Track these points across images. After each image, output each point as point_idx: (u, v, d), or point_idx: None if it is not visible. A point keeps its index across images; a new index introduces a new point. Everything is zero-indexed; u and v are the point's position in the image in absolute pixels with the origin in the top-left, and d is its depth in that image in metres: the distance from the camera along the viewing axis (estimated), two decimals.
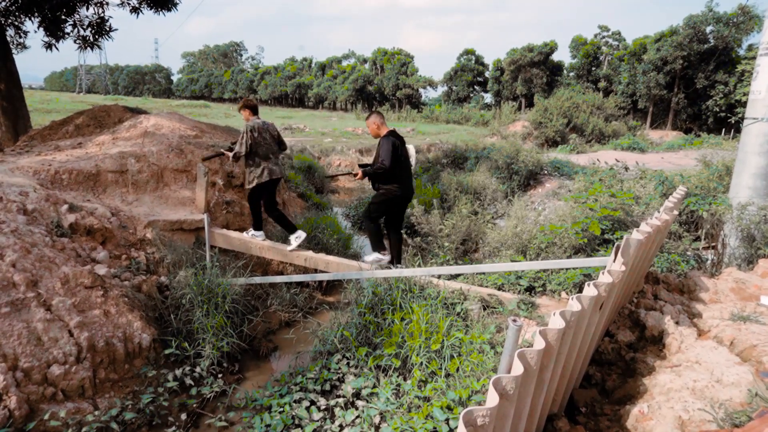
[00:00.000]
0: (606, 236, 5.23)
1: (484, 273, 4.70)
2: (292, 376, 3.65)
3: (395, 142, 4.67)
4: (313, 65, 72.48)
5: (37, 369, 3.05)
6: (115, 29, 9.72)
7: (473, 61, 56.00)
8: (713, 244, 5.46)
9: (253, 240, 5.32)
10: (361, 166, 4.85)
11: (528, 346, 1.70)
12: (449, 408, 2.75)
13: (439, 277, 4.53)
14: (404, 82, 58.54)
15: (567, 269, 4.50)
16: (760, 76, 5.21)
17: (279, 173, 5.26)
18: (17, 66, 9.15)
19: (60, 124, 7.85)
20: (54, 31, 9.18)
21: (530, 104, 43.60)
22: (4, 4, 8.84)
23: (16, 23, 9.60)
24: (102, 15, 9.54)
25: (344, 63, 68.32)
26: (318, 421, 3.04)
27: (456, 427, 2.60)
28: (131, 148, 5.89)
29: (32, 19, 9.15)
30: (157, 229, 5.03)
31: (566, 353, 2.18)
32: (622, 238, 3.47)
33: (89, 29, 9.56)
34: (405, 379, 3.29)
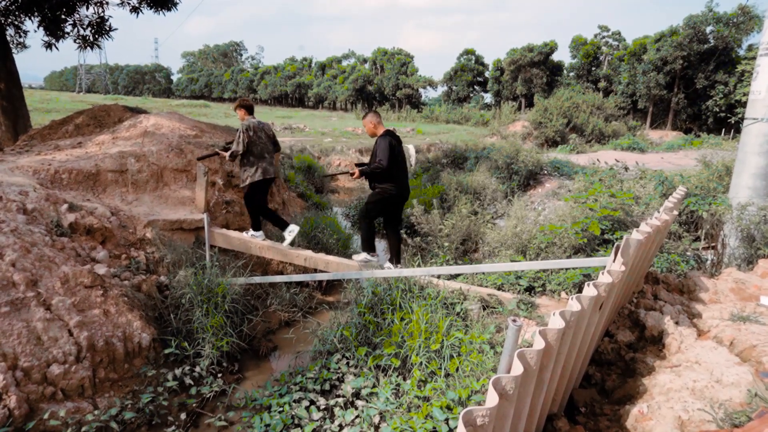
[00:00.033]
0: (606, 236, 5.23)
1: (483, 273, 4.70)
2: (292, 376, 3.65)
3: (392, 141, 4.68)
4: (313, 65, 72.48)
5: (37, 368, 3.05)
6: (115, 29, 9.72)
7: (473, 61, 56.00)
8: (713, 244, 5.46)
9: (253, 240, 5.32)
10: (358, 165, 4.86)
11: (528, 346, 1.70)
12: (449, 408, 2.75)
13: (438, 277, 4.53)
14: (404, 82, 58.54)
15: (567, 269, 4.50)
16: (760, 77, 5.21)
17: (272, 173, 5.29)
18: (17, 65, 9.15)
19: (60, 123, 7.85)
20: (54, 31, 9.17)
21: (530, 104, 43.61)
22: (4, 3, 8.83)
23: (16, 23, 9.59)
24: (102, 14, 9.54)
25: (344, 63, 68.33)
26: (317, 420, 3.04)
27: (455, 427, 2.60)
28: (131, 148, 5.89)
29: (32, 18, 9.14)
30: (157, 228, 5.03)
31: (566, 353, 2.18)
32: (621, 238, 3.47)
33: (89, 29, 9.55)
34: (405, 379, 3.29)
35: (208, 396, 3.55)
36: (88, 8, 9.38)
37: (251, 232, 5.42)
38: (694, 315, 3.62)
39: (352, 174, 4.78)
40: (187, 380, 3.62)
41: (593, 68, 46.06)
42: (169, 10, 9.78)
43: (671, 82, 36.04)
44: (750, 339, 2.84)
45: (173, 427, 3.19)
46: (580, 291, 4.07)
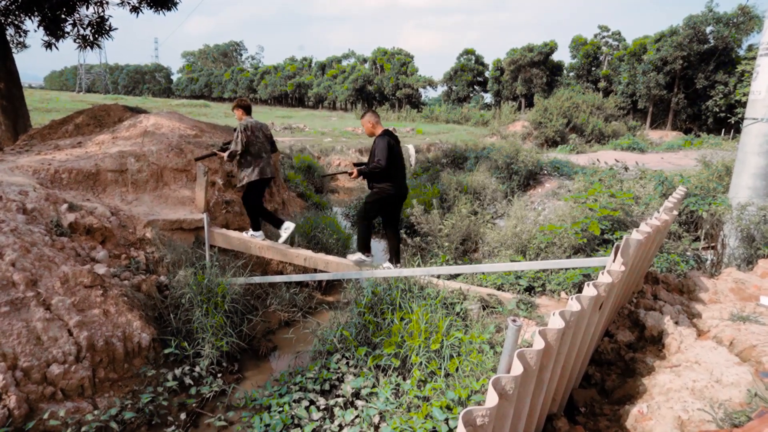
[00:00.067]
0: (606, 236, 5.24)
1: (483, 273, 4.70)
2: (292, 376, 3.64)
3: (390, 141, 4.69)
4: (312, 65, 72.48)
5: (37, 368, 3.05)
6: (115, 28, 9.71)
7: (473, 61, 56.01)
8: (713, 244, 5.46)
9: (253, 240, 5.32)
10: (356, 164, 4.86)
11: (527, 346, 1.70)
12: (449, 408, 2.75)
13: (438, 276, 4.53)
14: (404, 81, 58.54)
15: (566, 269, 4.50)
16: (760, 77, 5.21)
17: (270, 173, 5.30)
18: (17, 65, 9.14)
19: (60, 123, 7.85)
20: (54, 30, 9.16)
21: (530, 104, 43.61)
22: (4, 3, 8.82)
23: (16, 22, 9.59)
24: (102, 14, 9.53)
25: (344, 63, 68.33)
26: (317, 420, 3.04)
27: (455, 427, 2.60)
28: (131, 148, 5.89)
29: (32, 18, 9.14)
30: (157, 228, 5.02)
31: (566, 353, 2.18)
32: (621, 238, 3.47)
33: (89, 28, 9.54)
34: (404, 379, 3.29)
35: (207, 396, 3.55)
36: (88, 8, 9.37)
37: (251, 232, 5.42)
38: (693, 315, 3.62)
39: (351, 174, 4.78)
40: (187, 380, 3.62)
41: (593, 68, 46.07)
42: (169, 9, 9.77)
43: (671, 82, 36.05)
44: (750, 339, 2.84)
45: (173, 427, 3.19)
46: (579, 291, 4.07)
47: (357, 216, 5.02)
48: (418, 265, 4.41)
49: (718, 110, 33.26)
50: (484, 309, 4.08)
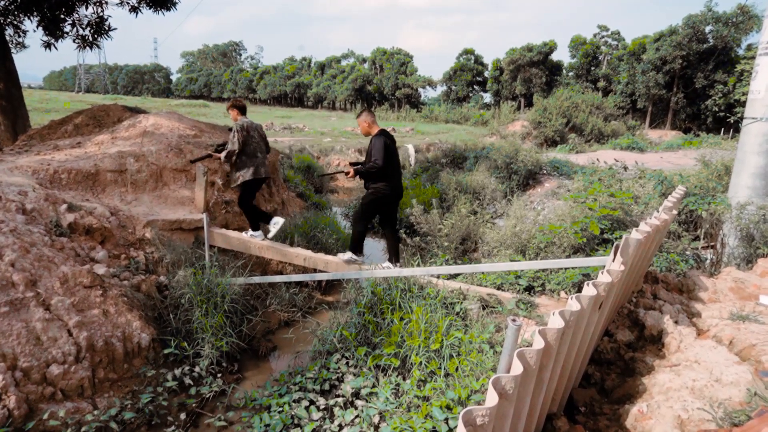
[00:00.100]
0: (605, 236, 5.24)
1: (483, 273, 4.70)
2: (292, 376, 3.64)
3: (386, 141, 4.70)
4: (312, 65, 72.47)
5: (36, 368, 3.05)
6: (114, 28, 9.69)
7: (472, 61, 56.03)
8: (712, 243, 5.47)
9: (252, 240, 5.32)
10: (352, 164, 4.87)
11: (527, 346, 1.70)
12: (448, 408, 2.75)
13: (438, 276, 4.53)
14: (403, 81, 58.55)
15: (566, 269, 4.50)
16: (759, 76, 5.21)
17: (264, 173, 5.32)
18: (16, 65, 9.14)
19: (59, 123, 7.84)
20: (53, 31, 9.15)
21: (529, 104, 43.62)
22: (3, 3, 8.81)
23: (15, 22, 9.57)
24: (101, 14, 9.51)
25: (343, 63, 68.33)
26: (317, 420, 3.04)
27: (455, 427, 2.60)
28: (130, 148, 5.88)
29: (31, 18, 9.12)
30: (156, 228, 5.02)
31: (565, 353, 2.18)
32: (621, 237, 3.48)
33: (88, 28, 9.53)
34: (404, 379, 3.29)
35: (207, 396, 3.55)
36: (87, 8, 9.36)
37: (250, 232, 5.42)
38: (693, 314, 3.62)
39: (347, 173, 4.78)
40: (187, 380, 3.62)
41: (592, 68, 46.08)
42: (168, 9, 9.76)
43: (670, 82, 36.06)
44: (749, 338, 2.84)
45: (173, 427, 3.19)
46: (579, 290, 4.07)
47: (354, 216, 5.03)
48: (418, 265, 4.41)
49: (717, 110, 33.28)
50: (483, 309, 4.08)
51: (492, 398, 1.44)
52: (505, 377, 1.53)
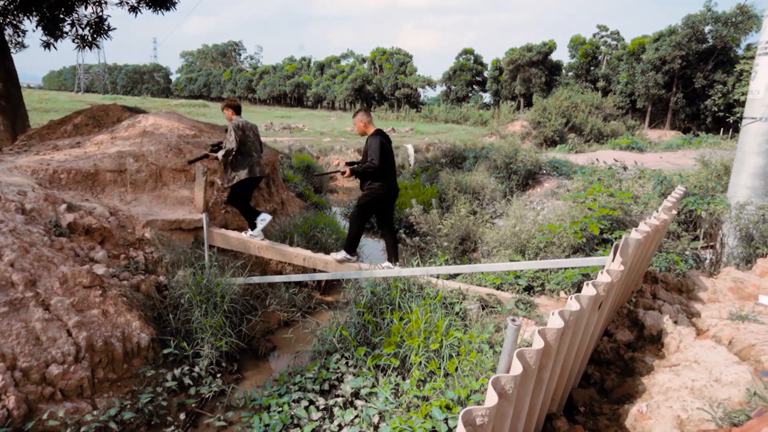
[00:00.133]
0: (605, 236, 5.24)
1: (482, 273, 4.70)
2: (291, 376, 3.64)
3: (382, 140, 4.71)
4: (311, 65, 72.48)
5: (36, 369, 3.04)
6: (114, 28, 9.68)
7: (472, 61, 56.03)
8: (712, 243, 5.47)
9: (252, 240, 5.32)
10: (348, 164, 4.87)
11: (527, 346, 1.70)
12: (448, 407, 2.75)
13: (437, 276, 4.53)
14: (403, 81, 58.55)
15: (565, 269, 4.51)
16: (758, 76, 5.21)
17: (259, 172, 5.33)
18: (16, 65, 9.13)
19: (58, 123, 7.83)
20: (52, 30, 9.14)
21: (529, 104, 43.61)
22: (2, 3, 8.80)
23: (15, 22, 9.56)
24: (100, 14, 9.50)
25: (343, 62, 68.33)
26: (317, 420, 3.04)
27: (455, 427, 2.60)
28: (130, 148, 5.88)
29: (30, 18, 9.11)
30: (156, 228, 5.02)
31: (565, 353, 2.18)
32: (620, 237, 3.48)
33: (88, 28, 9.52)
34: (404, 379, 3.29)
35: (207, 396, 3.55)
36: (86, 8, 9.35)
37: (250, 232, 5.42)
38: (692, 314, 3.62)
39: (343, 173, 4.79)
40: (186, 380, 3.62)
41: (592, 68, 46.09)
42: (167, 9, 9.75)
43: (670, 82, 36.08)
44: (749, 338, 2.85)
45: (172, 428, 3.18)
46: (579, 290, 4.07)
47: (350, 217, 5.04)
48: (417, 265, 4.41)
49: (716, 109, 33.30)
50: (483, 309, 4.08)
51: (491, 398, 1.44)
52: (505, 377, 1.52)
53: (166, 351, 3.82)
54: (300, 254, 5.16)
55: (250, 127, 5.34)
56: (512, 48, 48.35)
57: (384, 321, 3.72)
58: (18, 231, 3.70)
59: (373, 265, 4.76)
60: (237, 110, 5.36)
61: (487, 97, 56.65)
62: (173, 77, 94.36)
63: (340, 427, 2.96)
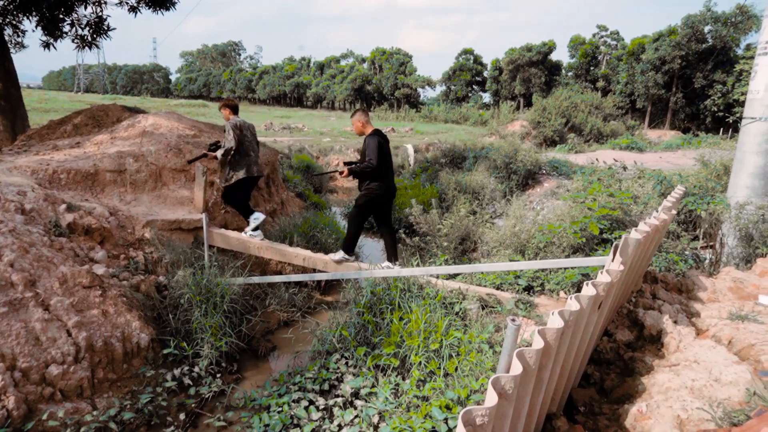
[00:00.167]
0: (604, 236, 5.24)
1: (482, 272, 4.70)
2: (291, 376, 3.64)
3: (380, 140, 4.72)
4: (311, 65, 72.49)
5: (36, 369, 3.04)
6: (114, 28, 9.68)
7: (472, 61, 56.05)
8: (711, 243, 5.47)
9: (252, 240, 5.32)
10: (346, 163, 4.87)
11: (527, 346, 1.70)
12: (448, 407, 2.75)
13: (437, 276, 4.53)
14: (403, 81, 58.56)
15: (565, 269, 4.51)
16: (758, 76, 5.22)
17: (257, 171, 5.34)
18: (15, 65, 9.13)
19: (58, 123, 7.83)
20: (52, 30, 9.14)
21: (528, 104, 43.60)
22: (2, 3, 8.80)
23: (14, 22, 9.55)
24: (100, 14, 9.50)
25: (342, 63, 68.34)
26: (316, 420, 3.04)
27: (455, 427, 2.60)
28: (129, 148, 5.88)
29: (30, 18, 9.11)
30: (156, 228, 5.02)
31: (565, 353, 2.18)
32: (620, 237, 3.48)
33: (87, 28, 9.51)
34: (404, 379, 3.29)
35: (207, 396, 3.55)
36: (86, 8, 9.34)
37: (249, 232, 5.41)
38: (692, 314, 3.62)
39: (341, 173, 4.79)
40: (186, 380, 3.62)
41: (591, 68, 46.11)
42: (167, 9, 9.75)
43: (669, 82, 36.09)
44: (748, 338, 2.85)
45: (172, 428, 3.18)
46: (578, 290, 4.07)
47: (348, 217, 5.04)
48: (417, 265, 4.41)
49: (716, 109, 33.32)
50: (483, 308, 4.08)
51: (491, 398, 1.44)
52: (505, 377, 1.52)
53: (165, 351, 3.82)
54: (300, 254, 5.16)
55: (248, 127, 5.35)
56: (512, 48, 48.38)
57: (384, 321, 3.72)
58: (18, 231, 3.70)
59: (373, 265, 4.76)
60: (234, 110, 5.37)
61: (486, 97, 56.69)
62: (173, 77, 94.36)
63: (340, 427, 2.96)
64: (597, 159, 11.48)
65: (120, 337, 3.56)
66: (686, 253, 5.13)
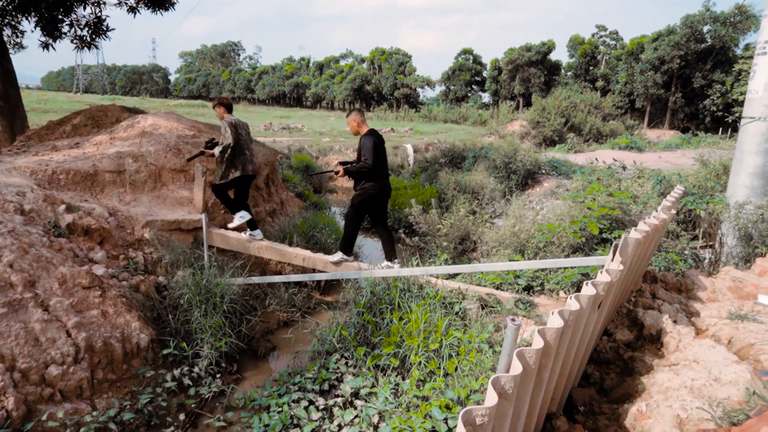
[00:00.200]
0: (604, 235, 5.24)
1: (482, 272, 4.70)
2: (291, 376, 3.64)
3: (376, 140, 4.72)
4: (311, 65, 72.48)
5: (35, 370, 3.04)
6: (113, 29, 9.68)
7: (471, 61, 56.06)
8: (711, 243, 5.48)
9: (251, 240, 5.32)
10: (342, 163, 4.87)
11: (526, 346, 1.70)
12: (448, 407, 2.75)
13: (437, 276, 4.53)
14: (402, 81, 58.55)
15: (565, 268, 4.51)
16: (757, 76, 5.22)
17: (252, 170, 5.33)
18: (14, 66, 9.12)
19: (57, 124, 7.82)
20: (51, 31, 9.14)
21: (528, 104, 43.59)
22: (1, 3, 8.79)
23: (13, 23, 9.55)
24: (99, 14, 9.49)
25: (342, 63, 68.33)
26: (316, 420, 3.04)
27: (455, 427, 2.60)
28: (129, 148, 5.87)
29: (29, 18, 9.11)
30: (155, 229, 5.01)
31: (565, 352, 2.18)
32: (620, 237, 3.48)
33: (86, 29, 9.51)
34: (404, 379, 3.29)
35: (206, 396, 3.54)
36: (85, 8, 9.34)
37: (249, 231, 5.41)
38: (692, 314, 3.63)
39: (337, 172, 4.79)
40: (186, 381, 3.62)
41: (591, 68, 46.13)
42: (166, 10, 9.75)
43: (668, 82, 36.11)
44: (748, 337, 2.85)
45: (172, 428, 3.18)
46: (578, 290, 4.07)
47: (345, 217, 5.05)
48: (417, 265, 4.41)
49: (715, 109, 33.35)
50: (482, 308, 4.08)
51: (491, 398, 1.44)
52: (505, 377, 1.53)
53: (165, 351, 3.82)
54: (299, 254, 5.15)
55: (243, 125, 5.35)
56: (511, 48, 48.37)
57: (383, 321, 3.72)
58: (17, 232, 3.70)
59: (373, 265, 4.76)
60: (228, 108, 5.37)
61: (486, 97, 56.69)
62: (172, 77, 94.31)
63: (340, 427, 2.96)
64: (596, 159, 11.48)
65: (119, 337, 3.56)
66: (686, 252, 5.13)
